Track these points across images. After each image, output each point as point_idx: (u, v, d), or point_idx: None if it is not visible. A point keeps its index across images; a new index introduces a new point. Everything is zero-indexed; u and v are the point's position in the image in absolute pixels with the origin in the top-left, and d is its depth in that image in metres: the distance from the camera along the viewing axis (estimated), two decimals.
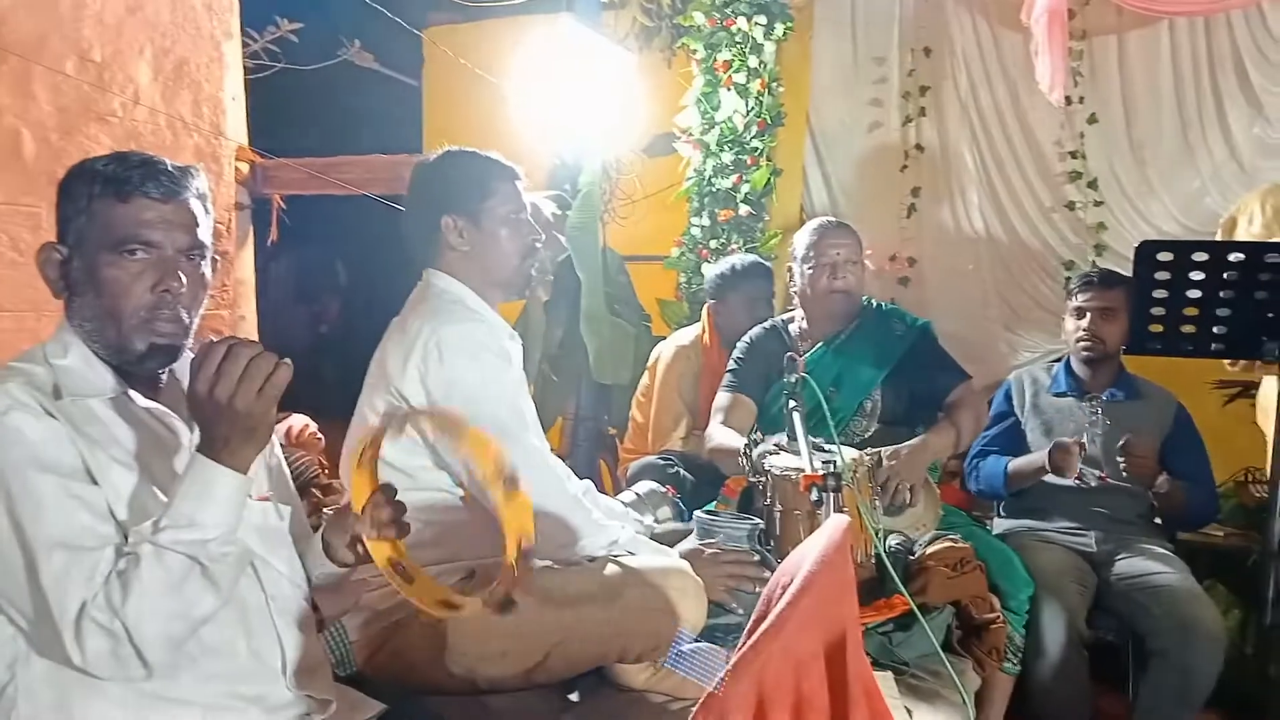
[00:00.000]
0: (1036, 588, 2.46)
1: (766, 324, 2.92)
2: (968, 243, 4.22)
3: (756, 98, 3.95)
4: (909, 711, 1.92)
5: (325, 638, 1.67)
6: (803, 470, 1.91)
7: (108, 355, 1.30)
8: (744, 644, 1.03)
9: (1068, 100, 3.88)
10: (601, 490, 2.33)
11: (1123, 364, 2.86)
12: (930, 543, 2.34)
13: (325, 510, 2.41)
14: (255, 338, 3.44)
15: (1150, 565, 2.57)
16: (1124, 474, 2.62)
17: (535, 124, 3.68)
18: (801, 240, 2.76)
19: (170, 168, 1.32)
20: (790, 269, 2.80)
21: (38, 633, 1.17)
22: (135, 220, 1.28)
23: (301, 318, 7.90)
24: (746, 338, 2.89)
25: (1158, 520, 2.81)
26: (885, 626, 2.17)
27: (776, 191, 4.07)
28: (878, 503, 2.31)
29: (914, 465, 2.41)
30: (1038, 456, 2.72)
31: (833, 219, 2.85)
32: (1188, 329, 2.14)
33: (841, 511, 2.09)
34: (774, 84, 3.98)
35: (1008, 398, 2.97)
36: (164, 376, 1.39)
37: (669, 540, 2.15)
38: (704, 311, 3.47)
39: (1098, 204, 3.97)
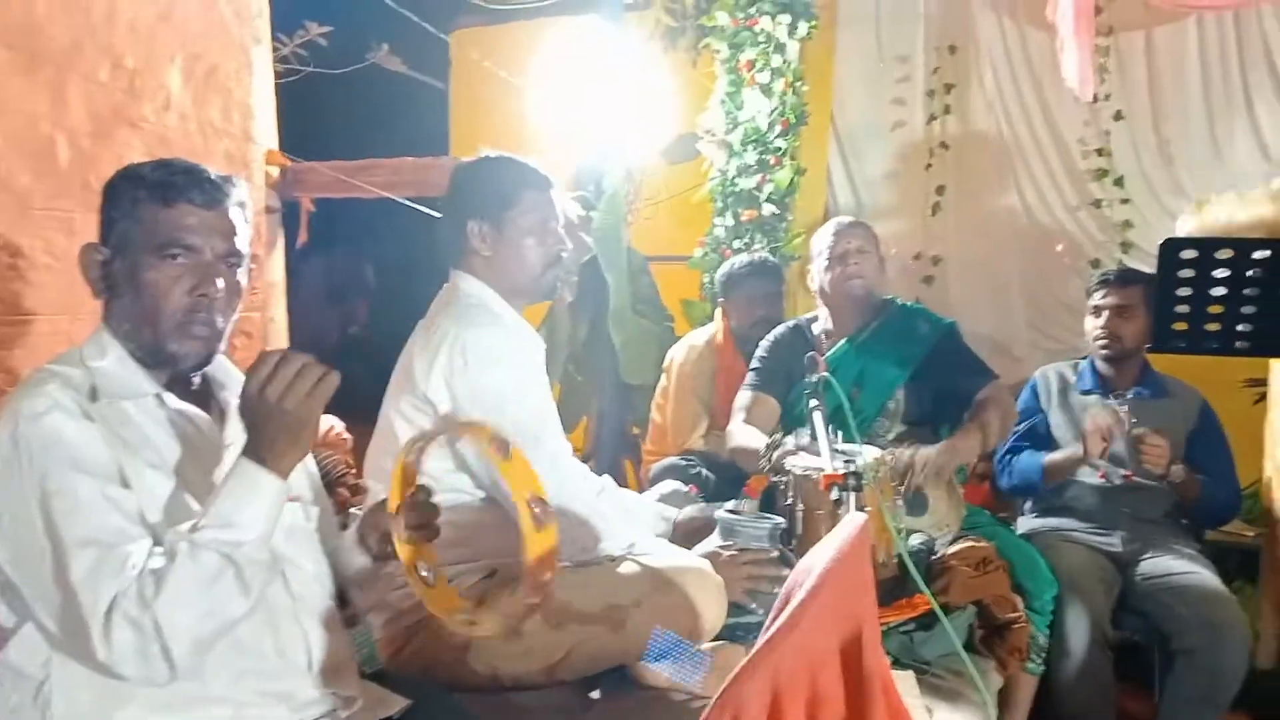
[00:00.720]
0: (1061, 588, 2.46)
1: (790, 322, 2.94)
2: (993, 241, 4.20)
3: (780, 97, 3.95)
4: (929, 710, 1.93)
5: (353, 635, 1.70)
6: (823, 470, 1.92)
7: (143, 357, 1.34)
8: (760, 640, 1.05)
9: (1094, 98, 3.85)
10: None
11: (1148, 362, 2.84)
12: (952, 542, 2.34)
13: (352, 509, 2.45)
14: (285, 339, 3.49)
15: (1176, 565, 2.56)
16: (1141, 465, 2.60)
17: (560, 125, 3.71)
18: (818, 240, 2.80)
19: (213, 176, 1.37)
20: (810, 269, 2.83)
21: (62, 631, 1.19)
22: (178, 225, 1.33)
23: (331, 319, 7.98)
24: (770, 336, 2.90)
25: (1184, 520, 2.80)
26: (907, 626, 2.18)
27: (800, 191, 4.06)
28: (900, 502, 2.32)
29: (940, 468, 2.41)
30: (1073, 448, 2.70)
31: (847, 218, 2.88)
32: (1212, 327, 2.11)
33: (863, 511, 2.11)
34: (798, 83, 3.97)
35: (1035, 394, 2.96)
36: (196, 380, 1.43)
37: (695, 526, 2.17)
38: (718, 311, 3.49)
39: (1124, 201, 3.95)
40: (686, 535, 2.19)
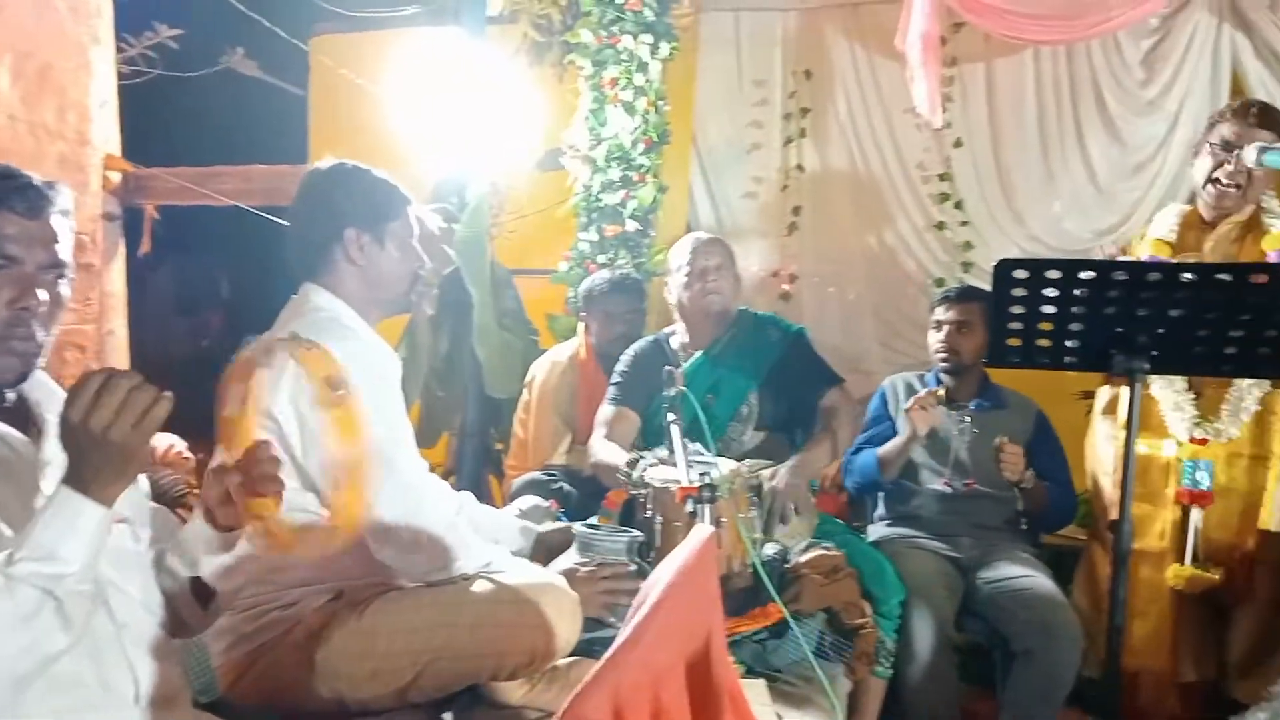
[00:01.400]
0: (908, 593, 2.55)
1: (649, 337, 3.02)
2: (847, 260, 4.35)
3: (643, 115, 4.00)
4: (780, 718, 1.97)
5: (187, 662, 1.62)
6: (680, 482, 1.95)
7: None
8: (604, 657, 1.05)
9: (941, 125, 4.04)
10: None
11: (987, 375, 3.00)
12: (804, 551, 2.41)
13: None
14: (125, 353, 3.32)
15: (1014, 570, 2.68)
16: (999, 471, 2.73)
17: (422, 136, 3.65)
18: (677, 254, 2.88)
19: (36, 183, 1.30)
20: (668, 283, 2.89)
21: None
22: None
23: (182, 332, 7.63)
24: (630, 351, 2.95)
25: (1023, 526, 2.94)
26: (760, 634, 2.22)
27: (663, 208, 4.12)
28: (755, 513, 2.37)
29: (795, 485, 2.49)
30: (901, 436, 2.82)
31: (705, 234, 2.97)
32: (1044, 343, 2.22)
33: (719, 523, 2.14)
34: (660, 102, 4.03)
35: (883, 402, 3.08)
36: (11, 396, 1.34)
37: (555, 542, 2.17)
38: (580, 326, 3.50)
39: (964, 224, 4.14)
40: (546, 551, 2.19)
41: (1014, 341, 2.24)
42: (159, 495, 2.50)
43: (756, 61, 4.42)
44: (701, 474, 2.04)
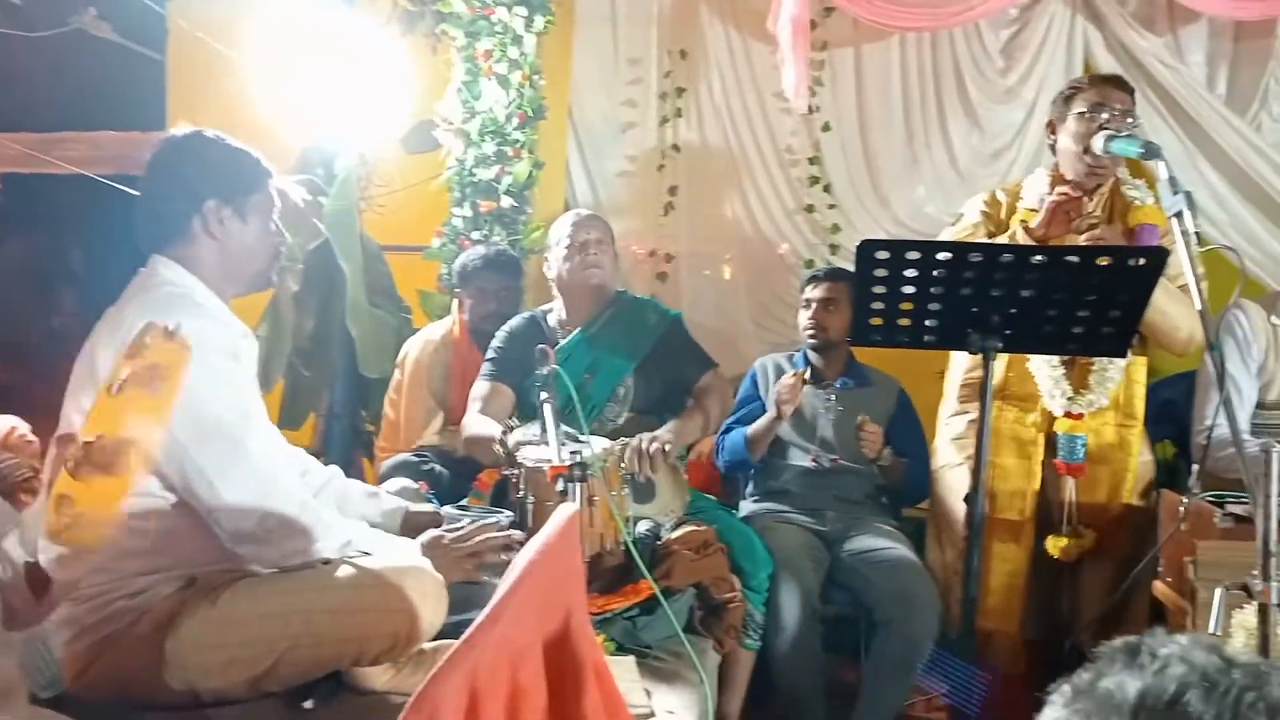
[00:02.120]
0: (776, 566, 2.62)
1: (526, 314, 3.00)
2: (720, 241, 4.40)
3: (518, 89, 3.93)
4: (648, 693, 1.99)
5: (28, 656, 1.54)
6: (552, 461, 1.93)
7: None
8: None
9: (810, 109, 4.11)
10: None
11: (853, 354, 3.08)
12: (675, 527, 2.44)
13: None
14: None
15: (876, 542, 2.78)
16: (860, 448, 2.81)
17: (288, 106, 3.52)
18: (557, 229, 2.88)
19: None
20: (547, 258, 2.88)
21: None
22: None
23: (33, 309, 7.19)
24: (506, 327, 2.94)
25: (885, 500, 3.05)
26: (631, 611, 2.24)
27: (539, 185, 4.07)
28: (627, 491, 2.38)
29: (666, 444, 2.50)
30: (766, 417, 2.90)
31: (586, 211, 2.97)
32: (904, 322, 2.29)
33: (591, 501, 2.15)
34: (535, 76, 3.97)
35: (754, 383, 3.15)
36: None
37: (423, 523, 2.11)
38: (454, 304, 3.45)
39: (831, 207, 4.24)
40: (414, 533, 2.14)
41: (876, 320, 2.31)
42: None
43: (632, 39, 4.40)
44: (573, 453, 2.03)
